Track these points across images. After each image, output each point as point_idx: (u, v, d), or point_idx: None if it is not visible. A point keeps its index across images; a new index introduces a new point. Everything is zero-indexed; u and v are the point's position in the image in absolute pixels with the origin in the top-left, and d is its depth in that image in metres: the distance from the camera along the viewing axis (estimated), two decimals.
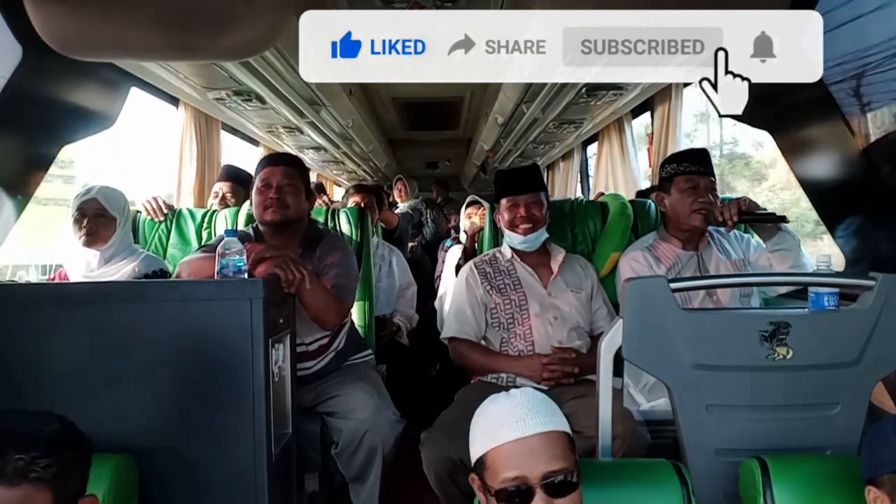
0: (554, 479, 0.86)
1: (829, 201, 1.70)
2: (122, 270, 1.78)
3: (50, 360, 1.23)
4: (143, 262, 1.82)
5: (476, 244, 2.59)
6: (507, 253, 1.90)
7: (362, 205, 2.73)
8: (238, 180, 2.63)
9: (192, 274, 1.55)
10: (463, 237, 3.07)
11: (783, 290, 1.77)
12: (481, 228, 2.47)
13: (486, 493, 0.91)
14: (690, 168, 1.78)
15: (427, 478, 1.57)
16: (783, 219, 1.65)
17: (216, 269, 1.33)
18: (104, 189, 1.79)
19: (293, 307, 1.55)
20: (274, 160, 1.81)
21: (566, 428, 0.92)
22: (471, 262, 1.94)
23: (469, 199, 3.20)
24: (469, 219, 3.07)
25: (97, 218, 1.76)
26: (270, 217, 1.72)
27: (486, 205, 2.35)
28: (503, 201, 1.88)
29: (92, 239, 1.74)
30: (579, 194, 4.66)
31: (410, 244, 3.76)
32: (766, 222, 1.68)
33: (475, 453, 0.94)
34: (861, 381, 1.15)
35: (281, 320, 1.41)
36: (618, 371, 1.30)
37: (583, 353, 1.76)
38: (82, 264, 1.78)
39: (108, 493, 1.08)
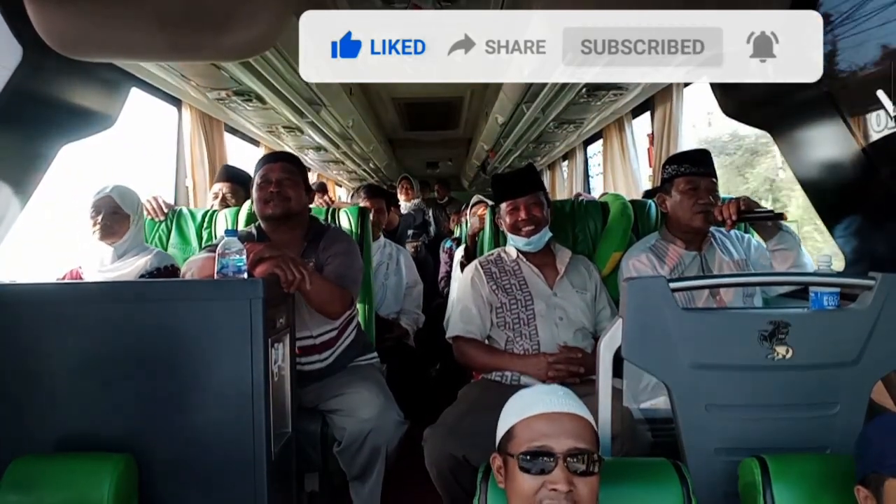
0: (578, 456, 0.89)
1: (828, 201, 1.70)
2: (134, 265, 1.81)
3: (50, 360, 1.23)
4: (155, 257, 1.87)
5: (476, 243, 2.59)
6: (513, 253, 1.90)
7: (371, 209, 2.73)
8: (237, 180, 2.63)
9: (195, 273, 1.55)
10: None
11: (783, 289, 1.77)
12: (481, 229, 2.47)
13: (505, 467, 0.94)
14: (691, 169, 1.78)
15: (427, 475, 1.57)
16: (781, 216, 1.65)
17: (216, 269, 1.33)
18: (118, 188, 1.84)
19: (293, 307, 1.55)
20: (272, 158, 1.84)
21: (594, 425, 0.95)
22: (476, 262, 1.93)
23: (474, 199, 3.22)
24: (475, 216, 3.09)
25: (112, 215, 1.81)
26: (272, 210, 1.73)
27: (490, 203, 2.36)
28: (503, 205, 1.88)
29: (106, 234, 1.79)
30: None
31: (414, 244, 3.76)
32: (766, 220, 1.68)
33: (504, 427, 0.97)
34: (861, 381, 1.15)
35: (280, 320, 1.41)
36: (618, 371, 1.30)
37: (588, 354, 1.75)
38: (96, 260, 1.81)
39: (108, 493, 1.08)
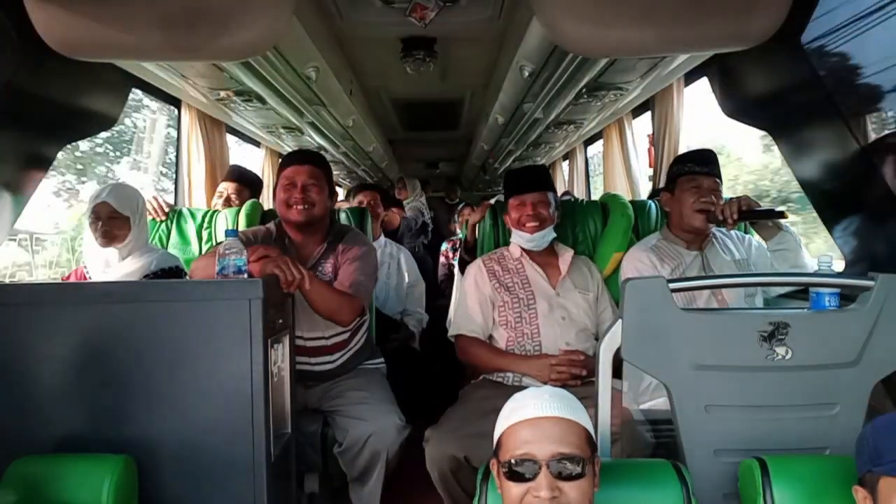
0: (561, 461, 0.88)
1: (828, 201, 1.70)
2: (138, 266, 1.79)
3: (50, 361, 1.24)
4: (160, 258, 1.84)
5: (476, 234, 2.58)
6: (516, 252, 1.90)
7: (365, 203, 2.73)
8: (244, 181, 2.63)
9: (199, 274, 1.56)
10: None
11: (783, 289, 1.76)
12: (482, 218, 2.46)
13: (498, 474, 0.94)
14: (695, 168, 1.78)
15: (428, 476, 1.57)
16: (782, 214, 1.65)
17: (216, 269, 1.33)
18: (115, 190, 1.78)
19: (293, 307, 1.55)
20: (299, 158, 1.79)
21: (586, 424, 0.94)
22: (479, 260, 1.93)
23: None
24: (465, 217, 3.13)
25: (110, 220, 1.77)
26: (296, 217, 1.72)
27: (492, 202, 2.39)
28: (511, 200, 1.88)
29: (108, 240, 1.77)
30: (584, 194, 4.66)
31: (412, 244, 3.76)
32: (767, 218, 1.68)
33: (496, 435, 0.97)
34: (860, 382, 1.15)
35: (280, 320, 1.41)
36: (618, 372, 1.30)
37: (590, 356, 1.75)
38: (101, 262, 1.79)
39: (108, 493, 1.08)
